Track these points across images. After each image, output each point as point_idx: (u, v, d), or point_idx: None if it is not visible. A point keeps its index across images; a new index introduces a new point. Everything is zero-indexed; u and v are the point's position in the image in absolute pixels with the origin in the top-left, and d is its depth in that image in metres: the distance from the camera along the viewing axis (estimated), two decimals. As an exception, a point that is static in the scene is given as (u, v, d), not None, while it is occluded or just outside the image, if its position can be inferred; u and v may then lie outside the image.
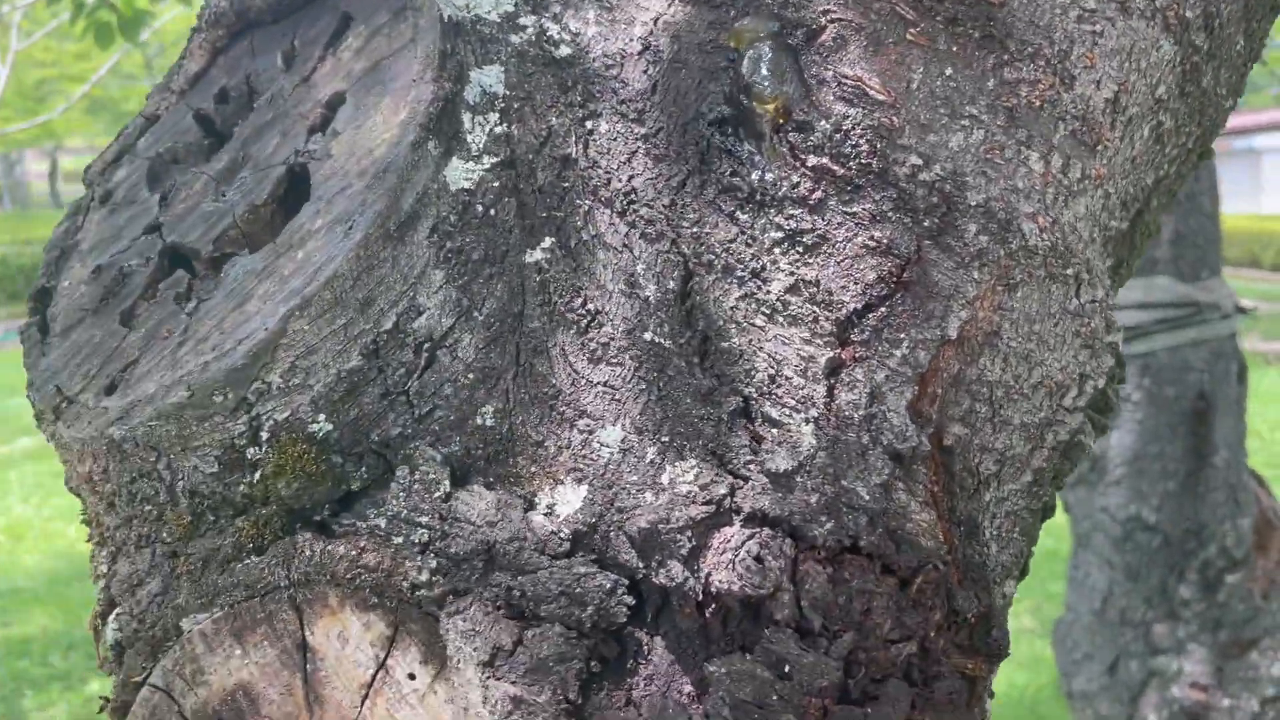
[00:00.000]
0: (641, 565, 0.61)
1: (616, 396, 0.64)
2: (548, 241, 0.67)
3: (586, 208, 0.67)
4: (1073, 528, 3.09)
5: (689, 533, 0.60)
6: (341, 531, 0.63)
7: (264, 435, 0.63)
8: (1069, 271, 0.65)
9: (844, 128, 0.63)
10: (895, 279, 0.62)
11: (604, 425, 0.64)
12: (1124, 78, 0.66)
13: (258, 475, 0.63)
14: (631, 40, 0.70)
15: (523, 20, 0.71)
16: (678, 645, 0.61)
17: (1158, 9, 0.66)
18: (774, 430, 0.62)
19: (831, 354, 0.62)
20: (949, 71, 0.63)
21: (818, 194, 0.63)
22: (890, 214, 0.62)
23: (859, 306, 0.62)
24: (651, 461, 0.63)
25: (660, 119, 0.67)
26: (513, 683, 0.59)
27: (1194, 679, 2.99)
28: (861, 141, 0.62)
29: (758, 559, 0.58)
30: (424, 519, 0.62)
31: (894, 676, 0.60)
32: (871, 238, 0.62)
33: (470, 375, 0.65)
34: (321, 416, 0.63)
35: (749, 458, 0.62)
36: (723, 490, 0.61)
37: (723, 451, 0.62)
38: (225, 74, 0.81)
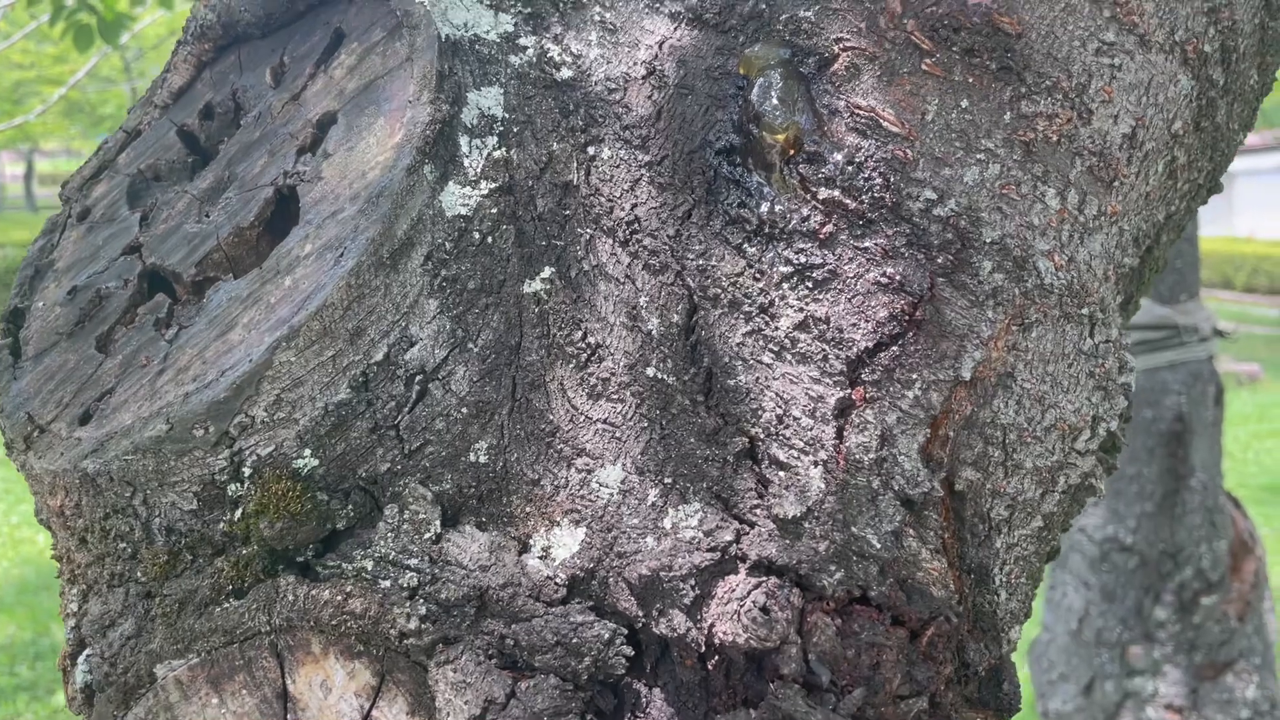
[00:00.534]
0: (642, 614, 0.58)
1: (617, 434, 0.62)
2: (547, 271, 0.64)
3: (588, 237, 0.65)
4: (1052, 549, 3.09)
5: (692, 581, 0.58)
6: (326, 574, 0.60)
7: (246, 471, 0.60)
8: (1084, 311, 0.64)
9: (857, 160, 0.61)
10: (908, 317, 0.60)
11: (603, 464, 0.61)
12: (1141, 112, 0.65)
13: (239, 513, 0.60)
14: (636, 64, 0.67)
15: (523, 41, 0.69)
16: (678, 698, 0.58)
17: (1177, 43, 0.65)
18: (781, 473, 0.59)
19: (841, 394, 0.60)
20: (965, 104, 0.61)
21: (829, 228, 0.61)
22: (903, 250, 0.60)
23: (870, 345, 0.60)
24: (653, 504, 0.60)
25: (665, 146, 0.65)
26: (505, 735, 0.57)
27: (1169, 700, 2.99)
28: (875, 175, 0.60)
29: (764, 609, 0.56)
30: (413, 561, 0.59)
31: (902, 731, 0.58)
32: (884, 274, 0.60)
33: (464, 410, 0.62)
34: (307, 451, 0.61)
35: (755, 502, 0.59)
36: (728, 536, 0.58)
37: (728, 495, 0.60)
38: (211, 89, 0.78)
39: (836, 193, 0.61)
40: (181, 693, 0.59)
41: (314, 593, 0.58)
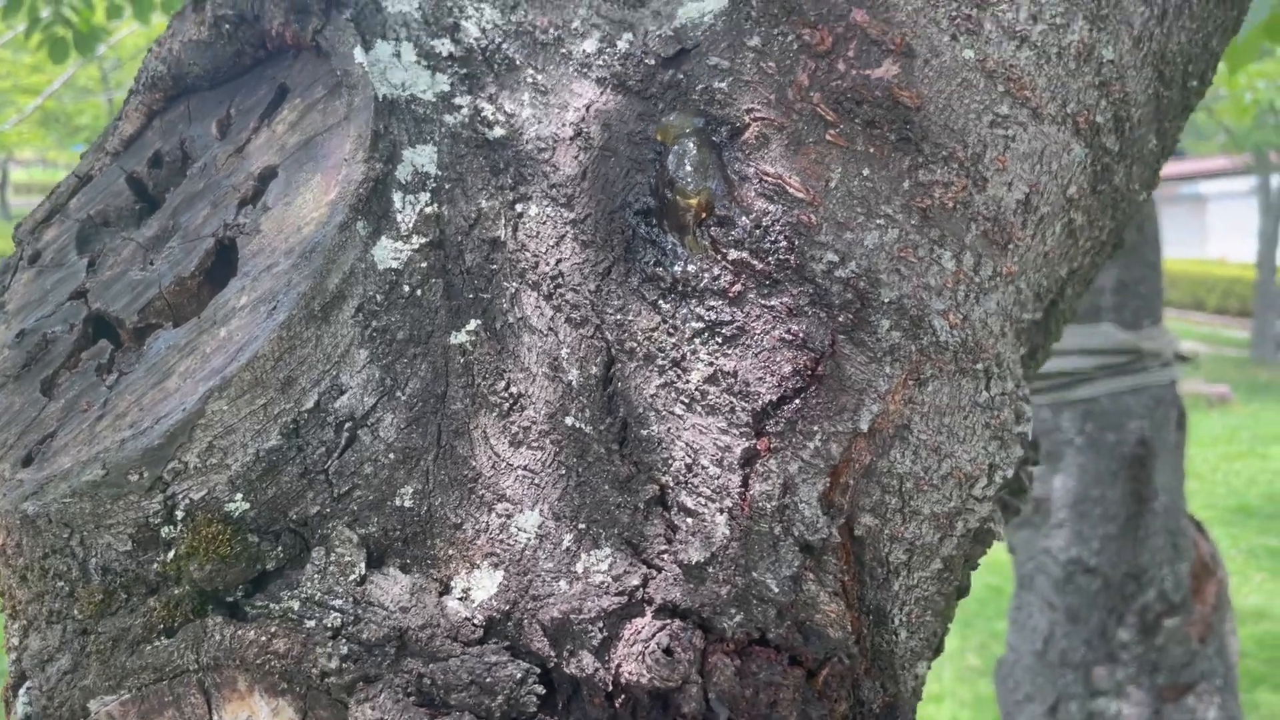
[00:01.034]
0: (554, 654, 0.61)
1: (536, 481, 0.65)
2: (473, 323, 0.68)
3: (513, 290, 0.68)
4: (1016, 569, 3.14)
5: (601, 623, 0.61)
6: (254, 614, 0.62)
7: (179, 514, 0.63)
8: (979, 366, 0.67)
9: (764, 224, 0.64)
10: (810, 372, 0.64)
11: (522, 510, 0.64)
12: (1035, 179, 0.69)
13: (171, 554, 0.63)
14: (565, 125, 0.71)
15: (458, 100, 0.72)
16: (588, 733, 0.61)
17: (1069, 114, 0.69)
18: (689, 520, 0.63)
19: (747, 444, 0.63)
20: (866, 172, 0.65)
21: (737, 287, 0.65)
22: (807, 308, 0.64)
23: (775, 398, 0.64)
24: (567, 549, 0.63)
25: (589, 205, 0.69)
26: (423, 769, 0.59)
27: (1132, 721, 3.03)
28: (780, 238, 0.64)
29: (667, 651, 0.59)
30: (338, 602, 0.62)
31: (801, 765, 0.61)
32: (788, 331, 0.64)
33: (391, 455, 0.66)
34: (239, 495, 0.63)
35: (663, 547, 0.63)
36: (635, 581, 0.62)
37: (638, 540, 0.63)
38: (160, 138, 0.81)
39: (745, 254, 0.64)
40: (113, 727, 0.62)
41: (240, 632, 0.61)
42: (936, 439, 0.67)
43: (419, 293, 0.68)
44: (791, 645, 0.61)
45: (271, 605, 0.63)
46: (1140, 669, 3.01)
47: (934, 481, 0.67)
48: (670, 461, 0.64)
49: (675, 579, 0.62)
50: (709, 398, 0.64)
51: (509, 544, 0.64)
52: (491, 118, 0.72)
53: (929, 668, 0.75)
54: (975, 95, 0.66)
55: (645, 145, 0.68)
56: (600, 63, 0.70)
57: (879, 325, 0.64)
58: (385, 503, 0.65)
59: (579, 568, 0.63)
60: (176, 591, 0.63)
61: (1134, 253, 3.02)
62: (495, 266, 0.69)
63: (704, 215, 0.65)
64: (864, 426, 0.64)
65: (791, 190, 0.65)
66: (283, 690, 0.61)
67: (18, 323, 0.76)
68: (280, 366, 0.64)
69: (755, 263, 0.64)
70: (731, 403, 0.64)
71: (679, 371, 0.65)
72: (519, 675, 0.60)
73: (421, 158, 0.71)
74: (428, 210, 0.69)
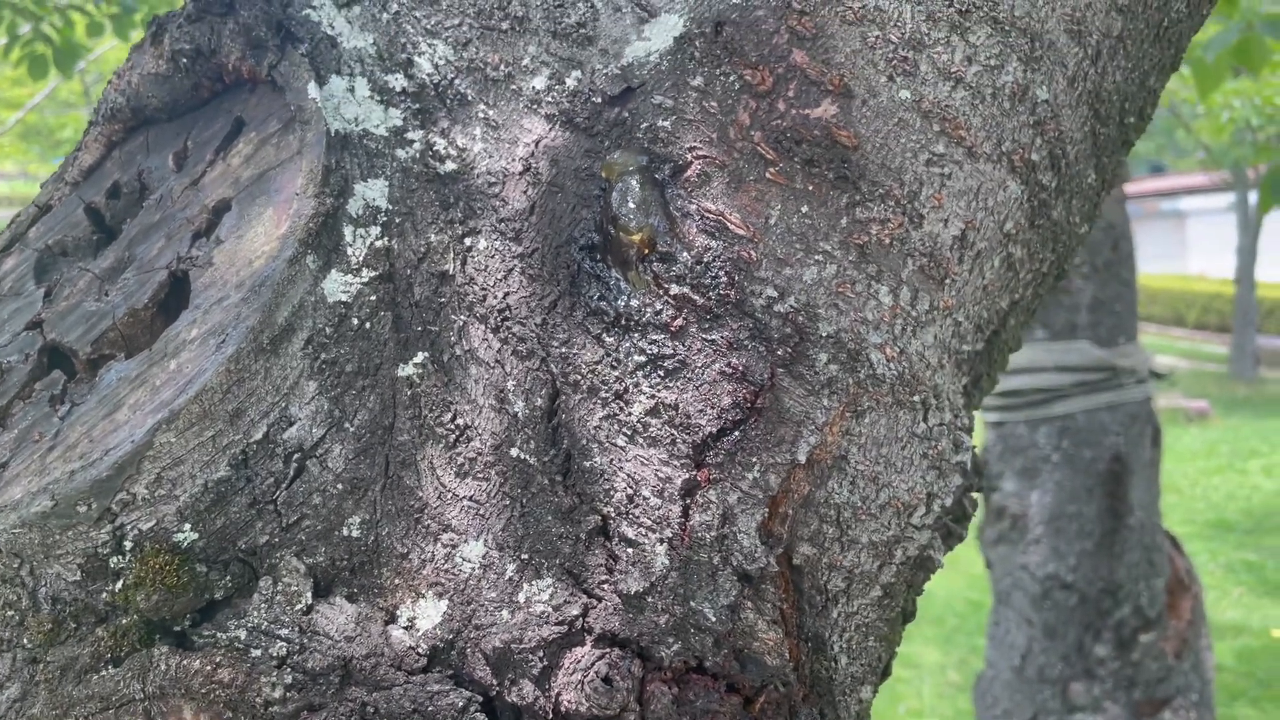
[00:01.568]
0: (495, 683, 0.62)
1: (480, 511, 0.66)
2: (420, 356, 0.69)
3: (461, 323, 0.70)
4: (993, 585, 3.17)
5: (541, 652, 0.62)
6: (201, 643, 0.63)
7: (128, 545, 0.64)
8: (916, 398, 0.69)
9: (705, 260, 0.66)
10: (749, 404, 0.65)
11: (467, 540, 0.66)
12: (971, 216, 0.70)
13: (119, 584, 0.64)
14: (514, 160, 0.73)
15: (410, 135, 0.74)
16: (529, 761, 0.63)
17: (1004, 153, 0.71)
18: (629, 550, 0.64)
19: (687, 475, 0.65)
20: (805, 209, 0.67)
21: (679, 321, 0.66)
22: (746, 342, 0.66)
23: (715, 430, 0.65)
24: (510, 579, 0.64)
25: (536, 240, 0.70)
26: (366, 796, 0.60)
27: (1109, 736, 3.05)
28: (721, 273, 0.66)
29: (606, 680, 0.60)
30: (284, 631, 0.63)
31: (740, 790, 0.62)
32: (728, 364, 0.66)
33: (339, 485, 0.67)
34: (187, 526, 0.64)
35: (604, 577, 0.64)
36: (576, 610, 0.63)
37: (579, 570, 0.64)
38: (119, 169, 0.83)
39: (686, 289, 0.66)
40: (60, 756, 0.63)
41: (185, 662, 0.62)
42: (874, 469, 0.68)
43: (368, 325, 0.69)
44: (729, 673, 0.63)
45: (218, 634, 0.63)
46: (1117, 684, 3.03)
47: (872, 511, 0.68)
48: (612, 492, 0.65)
49: (615, 608, 0.63)
50: (650, 429, 0.65)
51: (454, 573, 0.65)
52: (443, 152, 0.73)
53: (874, 693, 0.76)
54: (911, 134, 0.68)
55: (591, 181, 0.70)
56: (549, 99, 0.72)
57: (817, 359, 0.66)
58: (333, 532, 0.66)
59: (521, 597, 0.64)
60: (124, 621, 0.64)
61: (1109, 271, 3.06)
62: (444, 299, 0.70)
63: (646, 251, 0.67)
64: (802, 458, 0.65)
65: (732, 227, 0.66)
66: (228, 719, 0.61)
67: (-26, 352, 0.77)
68: (229, 399, 0.65)
69: (696, 298, 0.66)
70: (672, 435, 0.65)
71: (621, 404, 0.66)
72: (461, 704, 0.61)
73: (373, 192, 0.73)
74: (378, 244, 0.71)
